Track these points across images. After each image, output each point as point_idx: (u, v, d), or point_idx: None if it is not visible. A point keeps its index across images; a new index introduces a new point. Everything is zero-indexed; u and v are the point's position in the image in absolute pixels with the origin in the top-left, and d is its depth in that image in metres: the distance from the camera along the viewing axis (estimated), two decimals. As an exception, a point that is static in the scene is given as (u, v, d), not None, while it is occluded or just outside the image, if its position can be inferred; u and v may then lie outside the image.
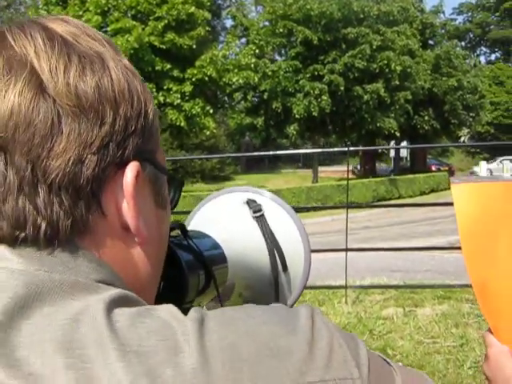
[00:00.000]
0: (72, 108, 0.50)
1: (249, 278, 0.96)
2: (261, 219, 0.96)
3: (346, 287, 5.88)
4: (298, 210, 18.49)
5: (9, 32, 0.53)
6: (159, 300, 0.65)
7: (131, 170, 0.54)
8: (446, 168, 39.19)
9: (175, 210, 0.74)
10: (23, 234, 0.50)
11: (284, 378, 0.46)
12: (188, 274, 0.79)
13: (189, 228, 0.98)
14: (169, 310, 0.50)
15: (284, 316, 0.52)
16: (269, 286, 0.95)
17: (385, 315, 5.40)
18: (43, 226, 0.50)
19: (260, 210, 0.96)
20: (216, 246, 0.91)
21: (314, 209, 20.39)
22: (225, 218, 1.00)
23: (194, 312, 0.50)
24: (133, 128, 0.55)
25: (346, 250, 5.76)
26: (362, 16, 24.16)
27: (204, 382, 0.44)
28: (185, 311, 0.52)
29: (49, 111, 0.50)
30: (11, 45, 0.52)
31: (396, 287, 6.35)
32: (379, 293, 6.25)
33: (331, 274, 7.09)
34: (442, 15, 35.79)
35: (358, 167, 36.82)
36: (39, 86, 0.50)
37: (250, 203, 0.98)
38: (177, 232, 0.86)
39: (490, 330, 0.73)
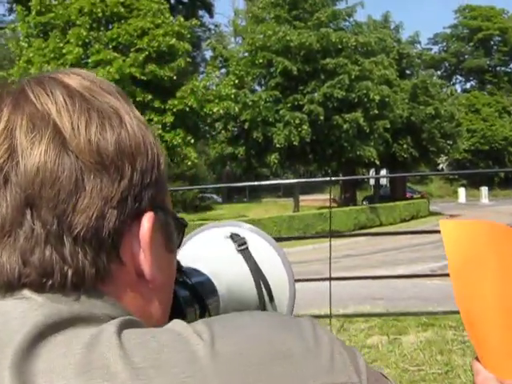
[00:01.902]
0: (94, 165, 0.53)
1: (238, 308, 0.95)
2: (245, 252, 0.98)
3: (330, 316, 5.89)
4: (279, 239, 18.32)
5: (29, 88, 0.55)
6: None
7: (147, 220, 0.56)
8: (419, 195, 39.74)
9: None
10: (50, 281, 0.53)
11: (292, 380, 0.49)
12: (185, 310, 0.81)
13: None
14: (176, 325, 0.52)
15: (287, 322, 0.54)
16: None
17: (370, 343, 5.41)
18: (69, 273, 0.53)
19: (244, 243, 0.99)
20: (207, 280, 0.93)
21: (296, 238, 20.39)
22: (210, 253, 1.02)
23: (201, 322, 0.52)
24: (148, 180, 0.57)
25: (330, 279, 5.78)
26: (340, 47, 24.51)
27: None
28: None
29: (73, 168, 0.52)
30: (32, 101, 0.54)
31: (379, 315, 6.37)
32: (363, 321, 6.25)
33: (314, 304, 7.09)
34: (418, 45, 36.41)
35: (340, 196, 36.97)
36: (62, 143, 0.52)
37: (234, 237, 1.00)
38: None
39: (477, 358, 0.76)
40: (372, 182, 36.26)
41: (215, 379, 0.46)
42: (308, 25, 24.94)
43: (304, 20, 25.39)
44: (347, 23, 27.79)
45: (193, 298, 0.85)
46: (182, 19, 20.85)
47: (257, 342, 0.50)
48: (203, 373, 0.47)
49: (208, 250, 1.03)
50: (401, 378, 4.57)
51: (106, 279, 0.55)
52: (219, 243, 1.01)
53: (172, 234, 0.63)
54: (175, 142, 19.35)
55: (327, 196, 36.99)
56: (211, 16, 46.11)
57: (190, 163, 21.40)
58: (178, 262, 0.87)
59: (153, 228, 0.57)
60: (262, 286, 0.97)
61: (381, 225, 25.24)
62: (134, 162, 0.55)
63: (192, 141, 20.09)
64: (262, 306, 0.97)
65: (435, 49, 62.34)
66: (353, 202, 33.10)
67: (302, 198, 30.78)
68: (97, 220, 0.53)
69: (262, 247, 1.00)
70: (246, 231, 1.02)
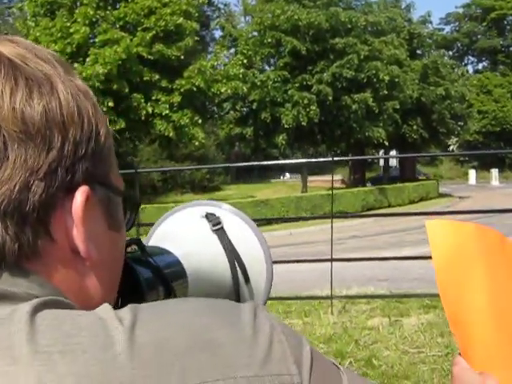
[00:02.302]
0: (18, 134, 0.49)
1: (210, 291, 0.94)
2: (220, 232, 0.95)
3: (331, 297, 5.87)
4: (285, 219, 18.45)
5: None
6: None
7: (80, 194, 0.53)
8: (425, 177, 39.70)
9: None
10: None
11: (214, 371, 0.46)
12: (146, 290, 0.77)
13: (149, 244, 0.98)
14: (101, 308, 0.50)
15: (224, 309, 0.52)
16: (230, 297, 0.94)
17: (370, 325, 5.39)
18: None
19: (219, 223, 0.96)
20: (175, 261, 0.90)
21: (302, 219, 20.42)
22: (184, 232, 0.99)
23: (127, 307, 0.50)
24: (83, 152, 0.53)
25: (332, 260, 5.75)
26: (349, 26, 24.29)
27: (132, 378, 0.44)
28: None
29: None
30: None
31: (382, 297, 6.35)
32: (365, 303, 6.24)
33: (318, 285, 7.07)
34: (429, 25, 35.99)
35: (348, 177, 36.92)
36: None
37: (209, 216, 0.97)
38: (135, 248, 0.85)
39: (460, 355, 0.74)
40: (381, 163, 36.17)
41: (127, 368, 0.44)
42: (317, 4, 24.68)
43: (313, -1, 25.15)
44: (357, 2, 27.51)
45: (156, 279, 0.81)
46: (189, -3, 20.68)
47: (180, 330, 0.48)
48: (115, 361, 0.44)
49: (182, 229, 1.00)
50: (400, 360, 4.55)
51: (33, 256, 0.52)
52: (194, 223, 0.98)
53: (115, 212, 0.60)
54: (182, 122, 19.29)
55: (338, 177, 37.11)
56: (220, -5, 45.82)
57: (197, 143, 21.35)
58: (140, 241, 0.84)
59: (87, 202, 0.53)
60: (237, 266, 0.94)
61: (389, 206, 25.18)
62: (65, 132, 0.52)
63: (199, 121, 20.01)
64: (236, 287, 0.94)
65: (447, 29, 61.81)
66: (362, 183, 33.04)
67: (311, 178, 30.77)
68: (20, 192, 0.49)
69: (239, 228, 0.97)
70: (224, 211, 0.98)
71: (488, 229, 0.78)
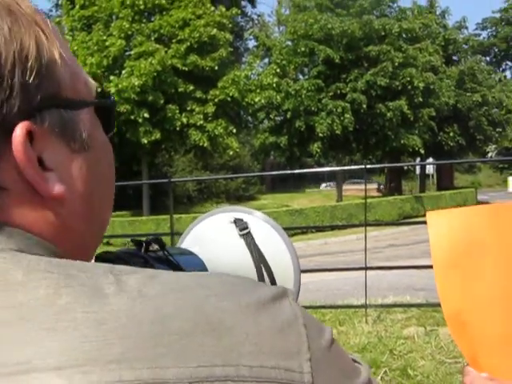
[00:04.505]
0: None
1: None
2: (247, 236, 0.96)
3: (366, 306, 5.81)
4: (319, 228, 18.32)
5: None
6: None
7: (18, 133, 0.48)
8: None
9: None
10: None
11: (215, 356, 0.43)
12: None
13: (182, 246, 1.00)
14: (108, 266, 0.48)
15: (243, 289, 0.48)
16: None
17: (406, 334, 5.31)
18: None
19: (246, 228, 0.97)
20: (199, 262, 0.91)
21: (336, 227, 20.30)
22: (212, 236, 1.00)
23: (138, 272, 0.47)
24: (9, 84, 0.48)
25: (366, 268, 5.70)
26: (383, 34, 24.13)
27: (124, 354, 0.41)
28: None
29: None
30: None
31: (418, 306, 6.26)
32: (401, 312, 6.15)
33: (353, 294, 7.02)
34: (465, 31, 35.52)
35: (385, 186, 36.56)
36: None
37: (237, 222, 0.98)
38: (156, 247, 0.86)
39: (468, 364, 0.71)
40: (418, 171, 35.72)
41: (118, 346, 0.41)
42: (350, 12, 24.61)
43: (346, 7, 25.06)
44: (391, 9, 27.31)
45: None
46: (223, 9, 20.84)
47: (191, 309, 0.45)
48: (106, 339, 0.41)
49: (210, 233, 1.02)
50: (436, 370, 4.47)
51: None
52: (222, 228, 1.00)
53: (76, 131, 0.54)
54: (217, 132, 19.41)
55: (373, 185, 36.77)
56: (253, 6, 46.15)
57: (231, 153, 21.46)
58: (160, 240, 0.84)
59: (30, 136, 0.49)
60: (264, 271, 0.94)
61: (426, 215, 24.80)
62: None
63: (234, 131, 20.10)
64: None
65: (484, 34, 60.80)
66: (398, 191, 32.69)
67: (346, 187, 30.58)
68: None
69: (267, 234, 0.98)
70: (254, 218, 1.00)
71: (506, 206, 0.72)
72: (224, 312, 0.45)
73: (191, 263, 0.89)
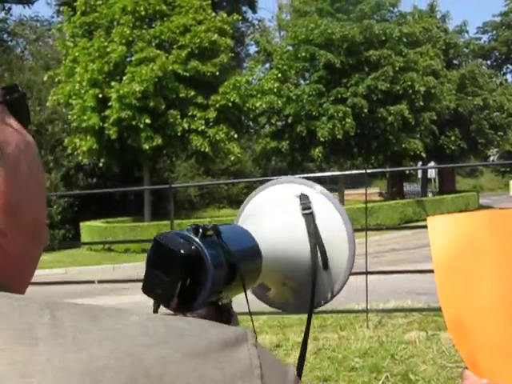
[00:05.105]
0: None
1: (290, 269, 0.98)
2: (309, 217, 0.98)
3: (367, 311, 5.81)
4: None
5: None
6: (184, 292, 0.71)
7: None
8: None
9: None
10: None
11: None
12: (211, 268, 0.79)
13: (243, 214, 1.07)
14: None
15: (195, 337, 0.43)
16: (309, 280, 0.97)
17: (407, 339, 5.31)
18: None
19: (309, 208, 0.98)
20: (250, 241, 0.92)
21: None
22: (276, 209, 1.03)
23: (88, 308, 0.43)
24: None
25: (366, 273, 5.69)
26: (383, 38, 24.13)
27: None
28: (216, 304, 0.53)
29: None
30: None
31: (419, 310, 6.26)
32: (402, 316, 6.15)
33: (354, 298, 7.01)
34: (466, 35, 35.54)
35: (387, 190, 36.53)
36: None
37: (302, 198, 1.00)
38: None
39: (467, 368, 0.71)
40: (420, 174, 35.68)
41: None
42: (351, 17, 24.64)
43: (347, 12, 25.09)
44: (391, 14, 27.32)
45: (223, 258, 0.83)
46: (224, 15, 20.88)
47: (129, 359, 0.40)
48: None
49: (275, 204, 1.04)
50: (438, 375, 4.46)
51: None
52: (287, 201, 1.02)
53: None
54: (218, 138, 19.41)
55: (375, 190, 36.72)
56: (254, 12, 46.24)
57: (233, 158, 21.46)
58: (217, 228, 0.84)
59: None
60: (319, 251, 0.96)
61: (427, 219, 24.78)
62: None
63: (235, 136, 20.11)
64: (314, 272, 0.96)
65: (484, 38, 60.82)
66: (400, 195, 32.65)
67: (348, 192, 30.52)
68: None
69: (330, 217, 1.01)
70: (315, 193, 1.02)
71: (499, 211, 0.73)
72: (166, 364, 0.41)
73: (243, 243, 0.91)
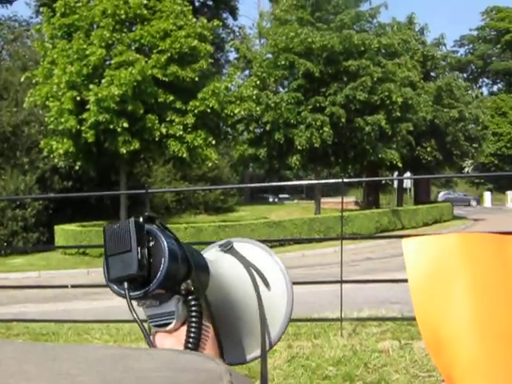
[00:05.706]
0: None
1: (234, 299, 0.95)
2: (232, 250, 0.97)
3: (341, 320, 5.83)
4: (296, 241, 18.42)
5: None
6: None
7: None
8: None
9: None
10: None
11: None
12: (168, 250, 0.79)
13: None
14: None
15: None
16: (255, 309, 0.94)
17: (380, 348, 5.34)
18: None
19: (229, 244, 0.98)
20: (203, 258, 0.91)
21: (313, 240, 20.36)
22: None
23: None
24: None
25: (341, 281, 5.72)
26: (362, 49, 24.32)
27: None
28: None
29: None
30: None
31: (393, 319, 6.30)
32: (376, 325, 6.19)
33: (329, 307, 7.03)
34: (443, 47, 36.02)
35: (362, 199, 36.79)
36: None
37: (220, 246, 0.99)
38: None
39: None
40: (395, 185, 36.02)
41: None
42: (331, 27, 24.81)
43: (327, 22, 25.25)
44: (371, 25, 27.57)
45: (180, 254, 0.82)
46: (204, 21, 20.88)
47: None
48: None
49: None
50: (410, 384, 4.49)
51: None
52: (210, 254, 0.99)
53: None
54: (196, 143, 19.38)
55: (351, 199, 36.98)
56: (235, 19, 46.37)
57: (210, 164, 21.43)
58: (153, 217, 0.85)
59: None
60: (255, 273, 0.94)
61: (403, 228, 25.04)
62: None
63: (213, 142, 20.09)
64: (258, 293, 0.93)
65: (461, 51, 61.80)
66: (376, 205, 32.89)
67: (325, 200, 30.67)
68: None
69: (250, 249, 0.99)
70: (239, 243, 1.00)
71: (478, 235, 0.75)
72: None
73: (196, 252, 0.89)
